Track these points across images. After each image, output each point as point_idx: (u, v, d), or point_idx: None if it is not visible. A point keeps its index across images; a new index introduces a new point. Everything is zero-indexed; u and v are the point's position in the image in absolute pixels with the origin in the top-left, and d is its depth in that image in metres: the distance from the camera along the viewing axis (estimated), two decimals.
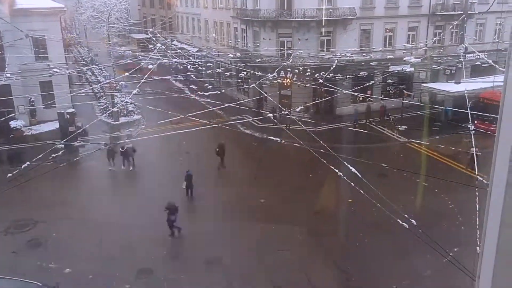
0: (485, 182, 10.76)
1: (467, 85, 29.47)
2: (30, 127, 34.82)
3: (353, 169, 10.84)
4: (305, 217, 21.22)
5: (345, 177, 11.40)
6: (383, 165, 15.28)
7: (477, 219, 10.57)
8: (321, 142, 14.05)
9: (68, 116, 32.34)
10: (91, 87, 40.44)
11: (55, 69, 25.89)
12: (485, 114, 23.43)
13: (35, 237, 19.92)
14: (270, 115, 20.89)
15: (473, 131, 15.45)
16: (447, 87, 34.25)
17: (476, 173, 11.70)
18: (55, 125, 33.63)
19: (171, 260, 18.10)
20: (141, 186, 25.60)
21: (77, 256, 18.38)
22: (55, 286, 15.12)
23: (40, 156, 11.63)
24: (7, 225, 20.78)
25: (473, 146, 14.13)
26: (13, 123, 33.29)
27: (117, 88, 36.49)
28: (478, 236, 9.62)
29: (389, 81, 36.62)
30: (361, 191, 11.60)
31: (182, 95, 26.91)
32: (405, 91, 37.28)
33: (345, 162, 12.16)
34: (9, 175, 10.94)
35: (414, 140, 28.80)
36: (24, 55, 29.78)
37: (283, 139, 15.07)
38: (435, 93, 35.55)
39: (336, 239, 19.46)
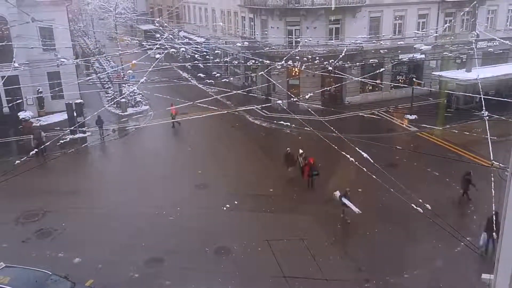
0: (501, 166, 10.51)
1: (479, 73, 29.01)
2: (38, 118, 34.86)
3: (365, 155, 10.62)
4: (316, 206, 21.05)
5: (357, 163, 11.18)
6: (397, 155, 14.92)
7: (493, 205, 10.35)
8: (334, 131, 13.83)
9: (76, 107, 32.32)
10: (98, 77, 40.34)
11: (62, 59, 25.68)
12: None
13: (44, 227, 19.94)
14: (280, 102, 20.57)
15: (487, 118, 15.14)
16: (458, 75, 33.72)
17: (492, 159, 11.42)
18: (63, 116, 33.63)
19: (181, 249, 17.99)
20: (149, 172, 25.40)
21: (86, 245, 18.38)
22: (66, 276, 15.09)
23: (48, 143, 11.51)
24: (17, 215, 20.81)
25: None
26: (21, 114, 33.35)
27: (124, 78, 36.35)
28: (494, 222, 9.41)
29: (399, 69, 36.09)
30: (373, 176, 11.35)
31: (189, 83, 26.65)
32: (415, 80, 36.77)
33: (357, 148, 11.94)
34: (17, 162, 10.85)
35: (422, 130, 28.36)
36: (31, 43, 29.62)
37: (294, 127, 14.81)
38: (445, 82, 35.04)
39: (347, 227, 19.29)
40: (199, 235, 18.95)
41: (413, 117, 32.65)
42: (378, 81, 33.88)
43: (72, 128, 23.62)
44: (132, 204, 21.56)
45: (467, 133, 22.90)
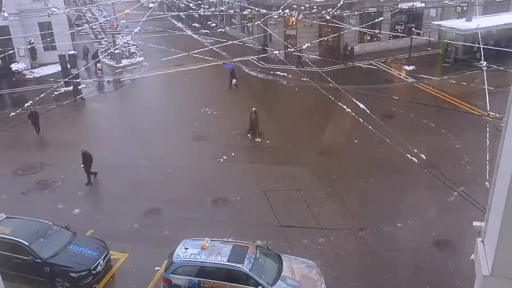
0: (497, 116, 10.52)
1: (480, 22, 28.44)
2: (31, 70, 34.33)
3: (362, 106, 10.59)
4: (312, 157, 21.24)
5: (353, 114, 11.17)
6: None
7: (487, 155, 10.44)
8: (331, 81, 13.71)
9: (69, 58, 31.84)
10: (91, 28, 39.42)
11: (53, 9, 24.93)
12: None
13: (43, 179, 20.10)
14: (276, 52, 20.26)
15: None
16: (458, 25, 33.09)
17: (488, 109, 11.42)
18: (57, 67, 33.17)
19: (179, 199, 18.27)
20: (146, 124, 25.38)
21: (85, 197, 18.63)
22: (67, 226, 15.36)
23: (43, 95, 11.40)
24: (16, 167, 20.93)
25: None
26: (14, 66, 32.85)
27: (117, 28, 35.52)
28: (487, 172, 9.54)
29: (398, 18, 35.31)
30: (370, 127, 11.38)
31: (184, 33, 26.11)
32: (414, 29, 36.10)
33: (353, 99, 11.90)
34: (12, 114, 10.77)
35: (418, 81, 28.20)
36: None
37: (291, 79, 14.67)
38: (445, 31, 34.41)
39: (343, 178, 19.55)
40: (196, 185, 19.20)
41: (411, 67, 32.38)
42: (376, 31, 33.25)
43: (66, 79, 23.30)
44: (129, 156, 21.68)
45: (465, 83, 22.80)
